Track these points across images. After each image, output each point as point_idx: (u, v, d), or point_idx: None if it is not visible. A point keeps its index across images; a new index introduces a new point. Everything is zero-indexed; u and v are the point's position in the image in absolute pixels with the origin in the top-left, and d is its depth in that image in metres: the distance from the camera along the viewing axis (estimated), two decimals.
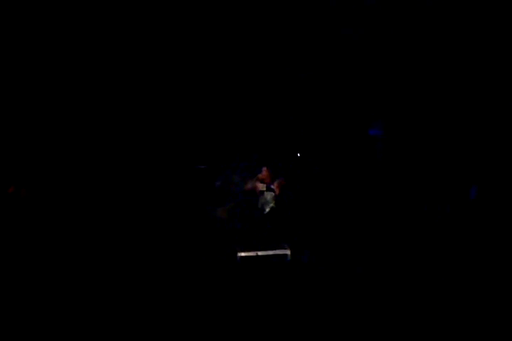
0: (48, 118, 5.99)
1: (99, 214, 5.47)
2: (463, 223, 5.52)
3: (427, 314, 3.58)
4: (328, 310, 3.73)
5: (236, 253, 4.98)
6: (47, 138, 5.92)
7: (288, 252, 4.98)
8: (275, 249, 5.02)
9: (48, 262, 4.69)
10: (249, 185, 5.21)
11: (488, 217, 5.56)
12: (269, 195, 5.12)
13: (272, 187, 5.00)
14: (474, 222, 5.59)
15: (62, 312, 3.74)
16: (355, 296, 3.98)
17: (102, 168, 5.94)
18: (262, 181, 5.07)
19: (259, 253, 4.95)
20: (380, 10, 5.59)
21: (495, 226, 5.34)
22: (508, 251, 4.76)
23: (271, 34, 5.77)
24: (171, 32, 5.98)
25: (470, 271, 4.41)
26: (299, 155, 5.52)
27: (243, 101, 6.14)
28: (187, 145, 6.14)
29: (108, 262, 4.83)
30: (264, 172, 5.03)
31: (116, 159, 6.03)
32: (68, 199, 5.64)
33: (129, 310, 3.79)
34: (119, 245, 5.16)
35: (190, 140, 6.18)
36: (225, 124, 6.11)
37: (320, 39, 5.78)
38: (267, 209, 5.12)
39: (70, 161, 5.94)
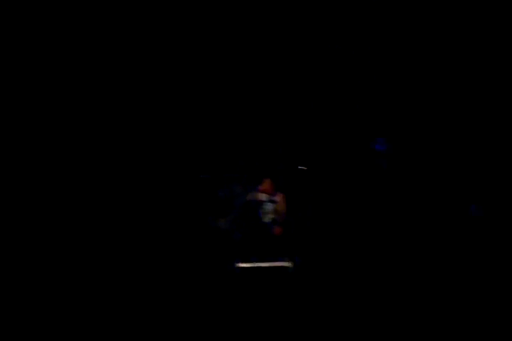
0: (46, 127, 6.00)
1: (99, 220, 5.46)
2: (464, 240, 5.52)
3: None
4: (326, 322, 3.72)
5: (235, 264, 4.97)
6: (46, 145, 5.93)
7: (289, 264, 4.96)
8: (276, 261, 5.00)
9: (45, 264, 4.69)
10: (250, 196, 5.22)
11: (489, 233, 5.57)
12: (270, 206, 5.13)
13: (274, 199, 5.01)
14: (475, 238, 5.59)
15: (59, 313, 3.72)
16: (352, 310, 3.98)
17: (102, 175, 5.94)
18: (263, 192, 5.08)
19: (259, 264, 4.93)
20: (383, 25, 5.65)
21: (495, 243, 5.34)
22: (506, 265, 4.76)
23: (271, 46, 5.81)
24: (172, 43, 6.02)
25: (467, 288, 4.40)
26: (303, 168, 5.52)
27: (248, 112, 6.16)
28: (190, 154, 6.15)
29: (107, 269, 4.82)
30: (267, 183, 5.05)
31: (117, 166, 6.03)
32: (69, 207, 5.64)
33: (126, 318, 3.77)
34: (119, 252, 5.14)
35: (194, 149, 6.19)
36: (229, 134, 6.13)
37: (323, 50, 5.82)
38: (267, 220, 5.11)
39: (70, 168, 5.94)
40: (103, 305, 3.97)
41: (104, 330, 3.52)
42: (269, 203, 5.10)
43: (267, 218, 5.11)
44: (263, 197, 5.11)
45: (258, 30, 5.85)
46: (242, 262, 4.91)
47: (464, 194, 5.96)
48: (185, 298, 4.16)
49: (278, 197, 5.11)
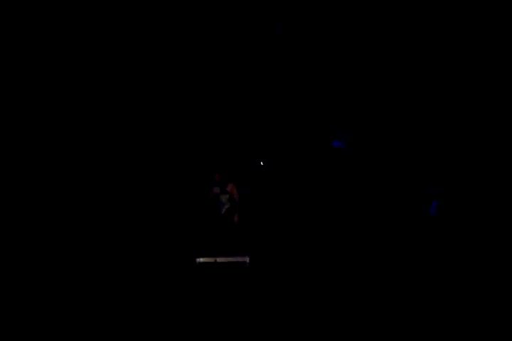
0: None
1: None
2: (423, 237, 5.60)
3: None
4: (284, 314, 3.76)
5: (195, 259, 5.01)
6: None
7: (247, 259, 5.03)
8: (234, 256, 5.06)
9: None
10: (214, 190, 5.40)
11: (448, 231, 5.65)
12: (223, 197, 5.34)
13: (226, 189, 5.22)
14: (434, 236, 5.67)
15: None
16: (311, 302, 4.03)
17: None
18: (216, 185, 5.29)
19: (218, 259, 4.98)
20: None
21: (455, 240, 5.43)
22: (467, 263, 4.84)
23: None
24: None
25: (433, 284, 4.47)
26: (261, 163, 5.61)
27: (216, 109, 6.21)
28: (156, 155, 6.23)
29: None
30: (217, 177, 5.26)
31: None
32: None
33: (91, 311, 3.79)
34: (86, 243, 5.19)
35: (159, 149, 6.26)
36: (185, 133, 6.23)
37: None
38: (224, 210, 5.31)
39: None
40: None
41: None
42: (223, 194, 5.32)
43: (223, 208, 5.34)
44: (217, 189, 5.34)
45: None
46: (202, 257, 4.96)
47: (424, 192, 6.05)
48: (145, 291, 4.18)
49: (229, 187, 5.34)
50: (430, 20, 5.70)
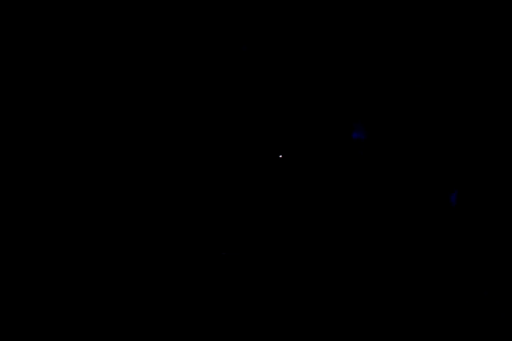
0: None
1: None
2: (444, 230, 5.50)
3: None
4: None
5: (219, 252, 5.00)
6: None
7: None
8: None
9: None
10: None
11: (470, 224, 5.54)
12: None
13: None
14: (456, 229, 5.56)
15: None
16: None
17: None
18: None
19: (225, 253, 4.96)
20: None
21: (477, 234, 5.33)
22: (489, 258, 4.76)
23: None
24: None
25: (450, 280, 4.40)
26: (280, 156, 5.44)
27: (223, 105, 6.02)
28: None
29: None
30: None
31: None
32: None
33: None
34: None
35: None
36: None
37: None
38: None
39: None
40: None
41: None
42: None
43: None
44: None
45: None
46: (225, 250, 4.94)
47: (445, 183, 5.90)
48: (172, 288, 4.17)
49: None
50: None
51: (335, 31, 5.33)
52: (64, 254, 4.79)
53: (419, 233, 5.19)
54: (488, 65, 5.17)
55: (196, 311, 3.82)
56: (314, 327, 3.65)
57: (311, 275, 4.60)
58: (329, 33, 5.32)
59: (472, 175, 5.36)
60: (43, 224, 5.05)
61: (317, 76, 5.49)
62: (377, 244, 5.05)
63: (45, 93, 5.18)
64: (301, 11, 5.18)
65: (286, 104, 5.51)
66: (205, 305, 4.00)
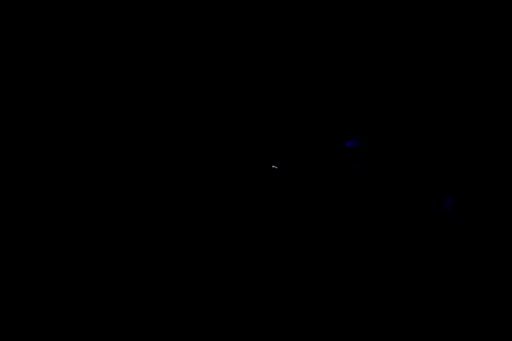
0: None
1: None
2: (440, 237, 5.55)
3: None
4: None
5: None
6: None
7: None
8: None
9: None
10: None
11: (466, 229, 5.60)
12: None
13: None
14: (452, 235, 5.62)
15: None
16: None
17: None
18: None
19: None
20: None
21: (474, 239, 5.39)
22: (486, 263, 4.82)
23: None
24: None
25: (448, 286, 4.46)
26: (274, 167, 5.53)
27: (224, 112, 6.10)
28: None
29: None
30: None
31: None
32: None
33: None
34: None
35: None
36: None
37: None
38: None
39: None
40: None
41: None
42: None
43: None
44: None
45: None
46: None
47: (438, 189, 5.97)
48: None
49: None
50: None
51: (332, 41, 5.39)
52: (64, 254, 4.85)
53: (415, 238, 5.27)
54: (487, 78, 5.27)
55: (196, 311, 3.87)
56: (314, 327, 3.70)
57: (311, 275, 4.65)
58: (326, 42, 5.38)
59: (467, 183, 5.48)
60: (43, 224, 5.11)
61: (313, 85, 5.62)
62: (374, 248, 5.13)
63: (45, 93, 5.26)
64: (299, 18, 5.25)
65: (282, 112, 5.61)
66: (205, 305, 4.04)
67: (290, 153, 5.51)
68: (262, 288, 4.49)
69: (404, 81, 5.69)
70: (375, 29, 5.52)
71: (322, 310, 4.04)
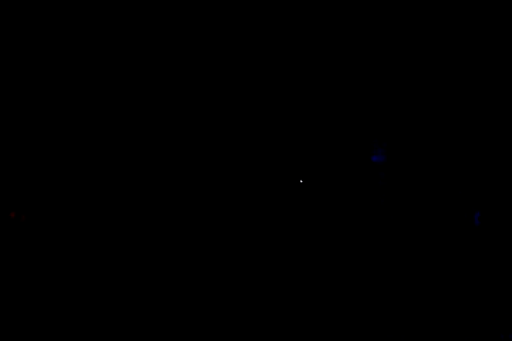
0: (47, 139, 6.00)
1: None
2: (468, 250, 5.48)
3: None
4: None
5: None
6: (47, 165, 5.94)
7: None
8: None
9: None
10: None
11: (493, 243, 5.51)
12: None
13: None
14: (479, 248, 5.54)
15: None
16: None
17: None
18: None
19: None
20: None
21: (500, 252, 5.30)
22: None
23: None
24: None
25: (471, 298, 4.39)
26: (301, 181, 5.54)
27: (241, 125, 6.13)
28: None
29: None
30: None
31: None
32: (69, 226, 5.68)
33: None
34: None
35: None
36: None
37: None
38: None
39: (68, 175, 5.95)
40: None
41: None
42: None
43: None
44: None
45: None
46: None
47: (467, 205, 5.88)
48: None
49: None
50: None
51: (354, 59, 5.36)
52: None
53: (439, 247, 5.19)
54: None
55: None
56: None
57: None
58: (348, 58, 5.34)
59: (493, 197, 5.39)
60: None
61: (337, 101, 5.60)
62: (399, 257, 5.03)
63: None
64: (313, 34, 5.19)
65: (307, 129, 5.62)
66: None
67: (318, 168, 5.47)
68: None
69: (434, 95, 5.61)
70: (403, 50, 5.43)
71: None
